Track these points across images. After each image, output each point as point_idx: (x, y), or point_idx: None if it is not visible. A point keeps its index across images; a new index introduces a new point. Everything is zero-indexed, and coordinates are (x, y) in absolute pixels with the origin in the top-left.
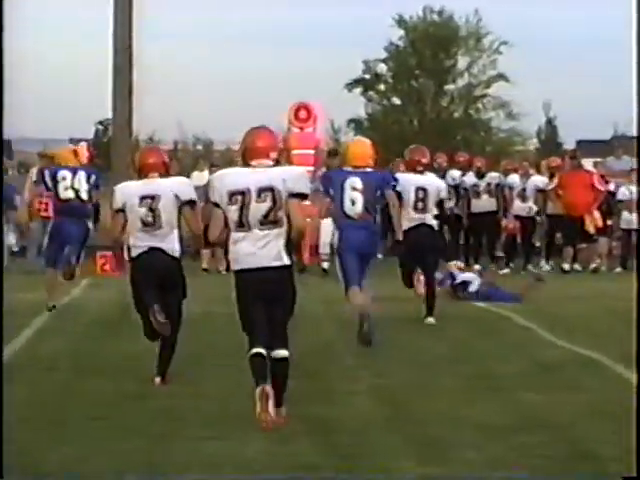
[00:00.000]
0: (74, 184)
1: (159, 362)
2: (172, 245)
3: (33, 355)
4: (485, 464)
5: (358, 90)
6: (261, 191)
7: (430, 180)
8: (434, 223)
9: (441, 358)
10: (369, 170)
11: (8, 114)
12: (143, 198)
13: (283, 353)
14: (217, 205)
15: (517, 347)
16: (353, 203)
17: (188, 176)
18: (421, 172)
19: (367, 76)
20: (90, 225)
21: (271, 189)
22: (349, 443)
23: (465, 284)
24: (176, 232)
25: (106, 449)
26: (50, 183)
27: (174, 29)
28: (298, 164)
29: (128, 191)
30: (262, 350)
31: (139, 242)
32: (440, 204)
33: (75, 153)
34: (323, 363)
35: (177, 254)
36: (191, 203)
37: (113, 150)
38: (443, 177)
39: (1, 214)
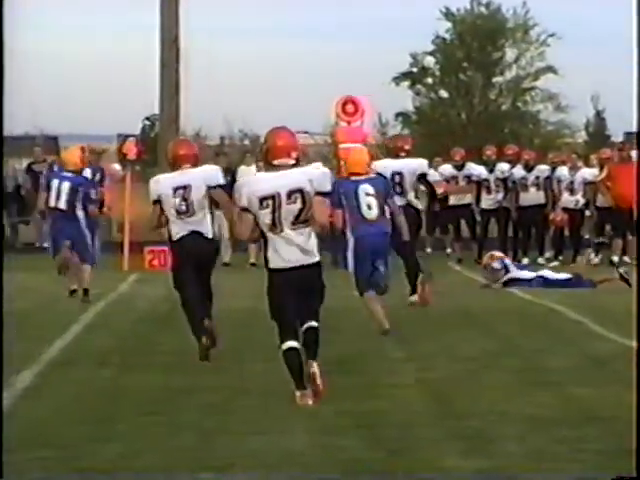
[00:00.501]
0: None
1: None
2: (207, 228)
3: (82, 351)
4: (529, 457)
5: (406, 83)
6: (291, 193)
7: (405, 163)
8: (415, 202)
9: (489, 352)
10: (373, 176)
11: (56, 110)
12: (176, 189)
13: (313, 323)
14: (246, 210)
15: (567, 341)
16: (369, 207)
17: (235, 171)
18: (402, 157)
19: (414, 69)
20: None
21: (300, 191)
22: (395, 437)
23: (518, 280)
24: (209, 217)
25: (155, 445)
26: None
27: (221, 22)
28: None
29: (162, 183)
30: (294, 344)
31: (178, 229)
32: (422, 179)
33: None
34: (369, 357)
35: (211, 236)
36: (220, 187)
37: (160, 146)
38: (492, 170)
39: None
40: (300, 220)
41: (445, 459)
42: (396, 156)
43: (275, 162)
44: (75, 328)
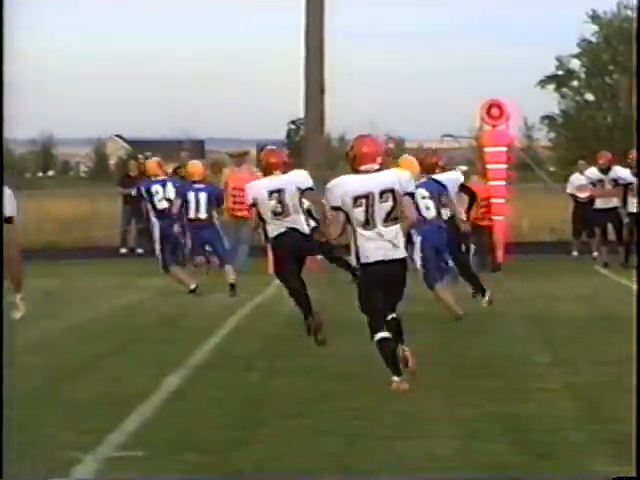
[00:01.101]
0: (166, 194)
1: (307, 311)
2: (302, 226)
3: (227, 355)
4: None
5: (551, 87)
6: (383, 193)
7: (446, 176)
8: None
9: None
10: (425, 180)
11: (200, 116)
12: (271, 192)
13: (393, 314)
14: (338, 208)
15: None
16: (427, 208)
17: None
18: (437, 173)
19: (560, 72)
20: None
21: (391, 190)
22: (542, 441)
23: None
24: (303, 216)
25: (299, 449)
26: (146, 196)
27: (365, 27)
28: (491, 162)
29: (256, 188)
30: (387, 334)
31: (274, 228)
32: (462, 187)
33: (159, 165)
34: (516, 361)
35: (307, 232)
36: (310, 189)
37: (305, 149)
38: (637, 175)
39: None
40: (391, 218)
41: (593, 463)
42: (432, 172)
43: (361, 168)
44: (221, 332)
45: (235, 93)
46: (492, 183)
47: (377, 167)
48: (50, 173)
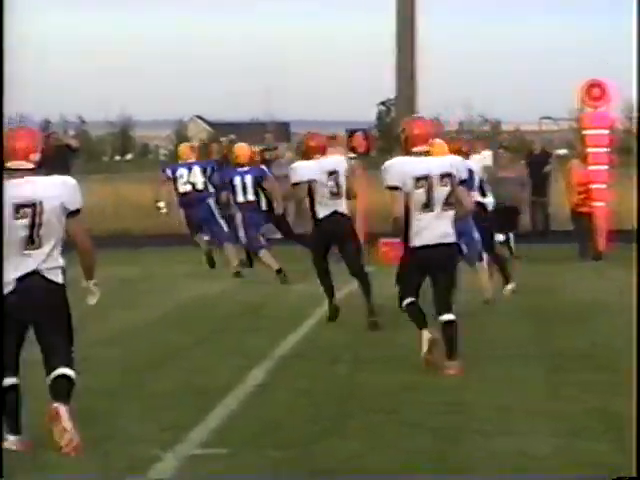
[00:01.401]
0: (190, 178)
1: (366, 299)
2: (346, 208)
3: (314, 346)
4: None
5: None
6: (442, 176)
7: (476, 163)
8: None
9: None
10: None
11: (285, 98)
12: (330, 173)
13: (450, 317)
14: (395, 188)
15: None
16: None
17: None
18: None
19: None
20: (212, 204)
21: (449, 175)
22: None
23: None
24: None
25: (388, 444)
26: (172, 179)
27: (459, 6)
28: (591, 145)
29: (314, 169)
30: (414, 299)
31: (325, 209)
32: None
33: (192, 149)
34: (620, 355)
35: (348, 215)
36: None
37: (397, 132)
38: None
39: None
40: (448, 202)
41: None
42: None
43: (414, 150)
44: (309, 322)
45: (322, 74)
46: (593, 167)
47: (427, 148)
48: (128, 156)
